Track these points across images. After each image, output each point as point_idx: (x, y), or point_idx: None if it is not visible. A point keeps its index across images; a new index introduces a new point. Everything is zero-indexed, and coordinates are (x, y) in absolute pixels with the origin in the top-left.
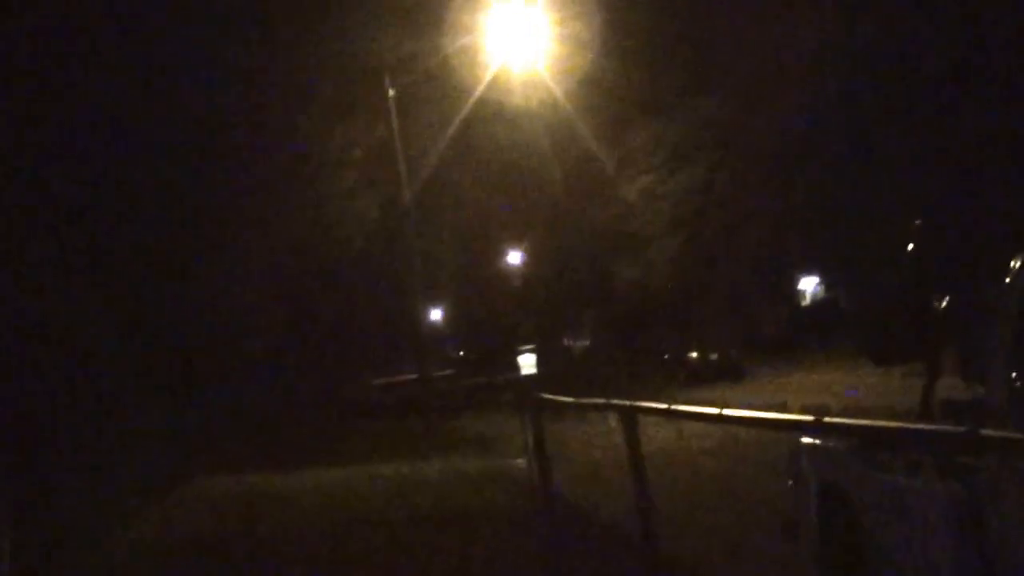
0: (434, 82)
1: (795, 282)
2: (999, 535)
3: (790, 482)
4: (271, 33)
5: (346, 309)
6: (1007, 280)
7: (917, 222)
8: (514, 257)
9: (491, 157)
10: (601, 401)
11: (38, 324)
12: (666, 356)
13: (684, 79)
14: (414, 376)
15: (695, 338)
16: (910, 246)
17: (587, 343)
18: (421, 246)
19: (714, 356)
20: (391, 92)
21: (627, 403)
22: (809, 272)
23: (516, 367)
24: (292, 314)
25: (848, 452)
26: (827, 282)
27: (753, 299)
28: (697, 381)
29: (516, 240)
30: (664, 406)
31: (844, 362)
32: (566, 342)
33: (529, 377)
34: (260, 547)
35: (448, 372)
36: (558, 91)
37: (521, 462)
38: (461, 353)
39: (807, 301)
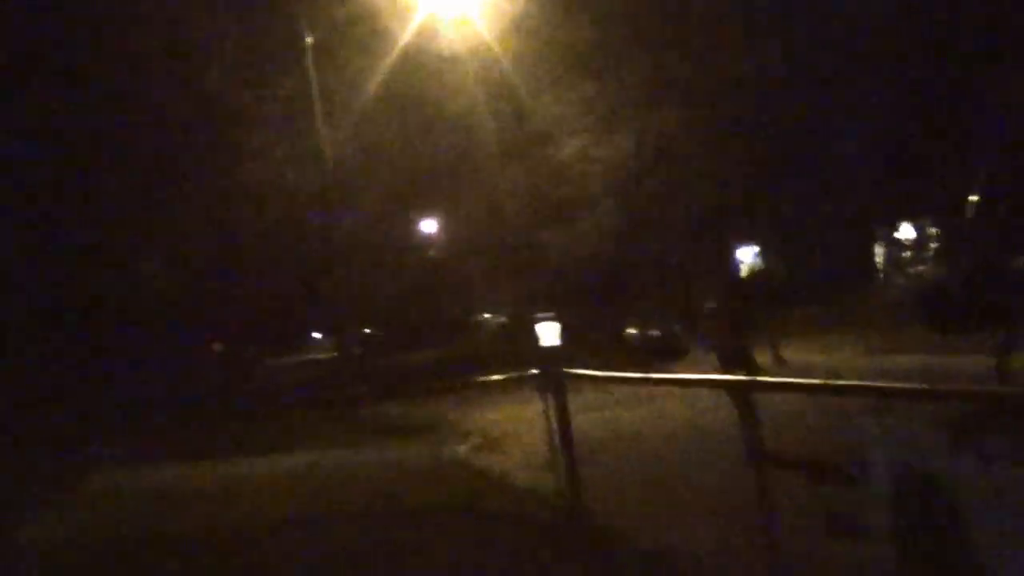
0: (357, 27)
1: (733, 251)
2: None
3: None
4: None
5: (251, 283)
6: None
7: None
8: (428, 226)
9: (412, 114)
10: (656, 376)
11: None
12: (598, 335)
13: (626, 31)
14: (330, 354)
15: (632, 313)
16: (972, 198)
17: (503, 320)
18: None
19: (655, 332)
20: (308, 39)
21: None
22: (747, 241)
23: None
24: (194, 289)
25: (941, 435)
26: (765, 252)
27: (691, 271)
28: (636, 360)
29: (431, 207)
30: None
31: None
32: (483, 317)
33: (552, 349)
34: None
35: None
36: (489, 39)
37: (462, 449)
38: (367, 330)
39: (744, 272)
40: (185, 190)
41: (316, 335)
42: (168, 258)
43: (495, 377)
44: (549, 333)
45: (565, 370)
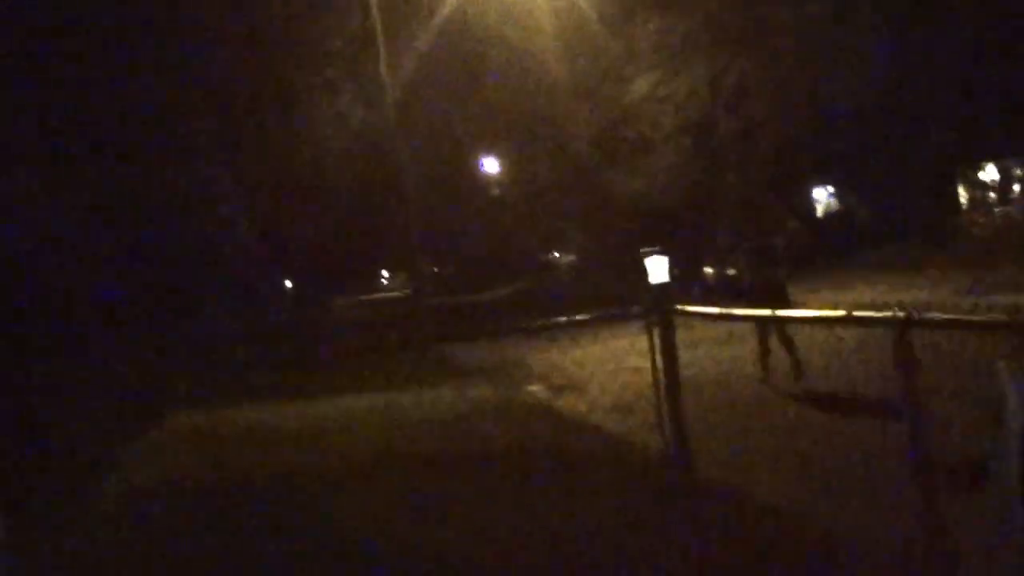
0: None
1: (809, 192)
2: None
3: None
4: None
5: (323, 221)
6: None
7: None
8: (492, 164)
9: (477, 49)
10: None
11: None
12: (675, 272)
13: None
14: (398, 293)
15: (705, 253)
16: None
17: (573, 259)
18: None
19: (731, 271)
20: None
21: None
22: (822, 182)
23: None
24: (267, 227)
25: None
26: (840, 192)
27: (765, 211)
28: (712, 299)
29: (496, 147)
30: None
31: (876, 276)
32: (552, 256)
33: (662, 286)
34: (261, 493)
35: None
36: None
37: (536, 388)
38: (435, 270)
39: (821, 212)
40: (257, 134)
41: (384, 273)
42: (245, 201)
43: (581, 317)
44: (658, 268)
45: (676, 307)
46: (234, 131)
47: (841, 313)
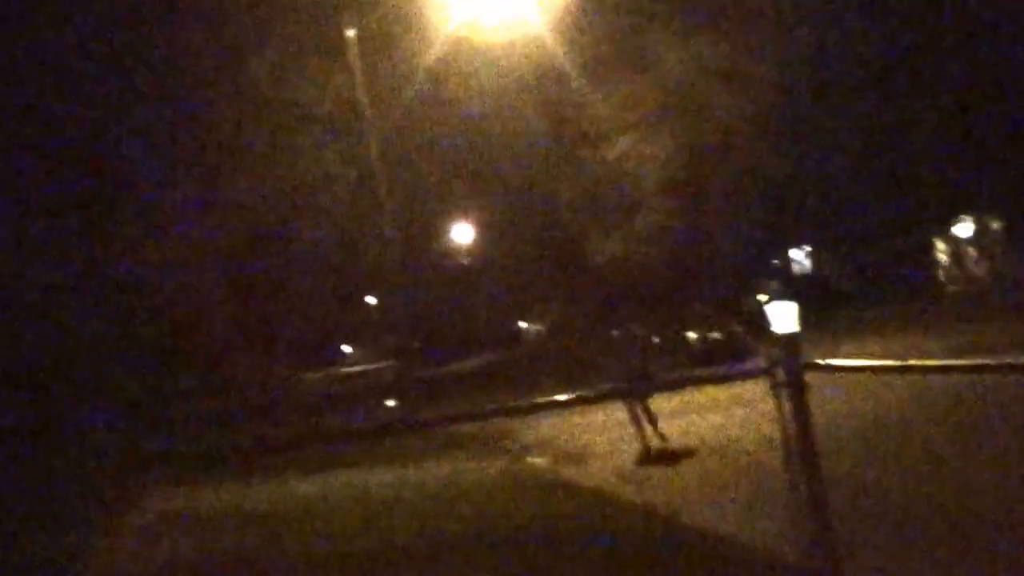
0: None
1: (786, 253)
2: None
3: None
4: None
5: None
6: None
7: None
8: (461, 232)
9: (449, 113)
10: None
11: None
12: (656, 339)
13: (676, 21)
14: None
15: (689, 317)
16: None
17: (540, 328)
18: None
19: (716, 335)
20: (350, 33)
21: None
22: (798, 243)
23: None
24: (234, 294)
25: None
26: (814, 252)
27: (745, 272)
28: (699, 363)
29: (465, 212)
30: None
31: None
32: (519, 326)
33: (791, 337)
34: None
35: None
36: (532, 35)
37: (540, 461)
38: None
39: (797, 273)
40: (234, 192)
41: (346, 348)
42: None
43: (586, 392)
44: (785, 316)
45: (813, 360)
46: (211, 188)
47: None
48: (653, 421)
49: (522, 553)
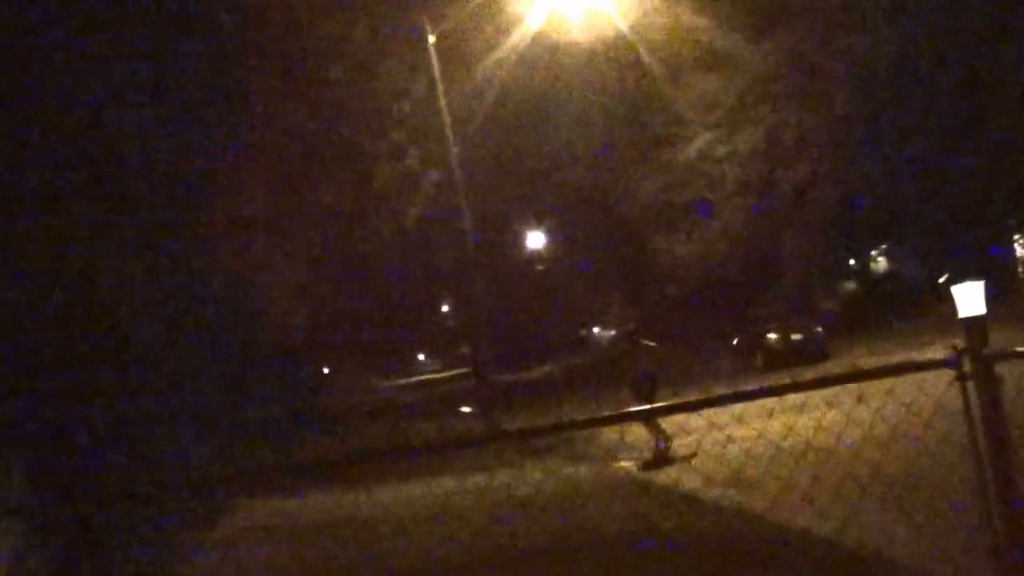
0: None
1: (866, 253)
2: None
3: None
4: None
5: (378, 296)
6: None
7: None
8: (535, 238)
9: (527, 114)
10: None
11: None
12: (735, 340)
13: (753, 19)
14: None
15: (767, 318)
16: None
17: (613, 333)
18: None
19: (797, 336)
20: (431, 38)
21: None
22: (876, 241)
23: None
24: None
25: None
26: (892, 252)
27: (822, 271)
28: (779, 365)
29: (537, 218)
30: None
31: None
32: (588, 332)
33: (976, 321)
34: None
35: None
36: (609, 36)
37: (628, 464)
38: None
39: (876, 273)
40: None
41: (421, 355)
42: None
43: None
44: (971, 297)
45: (1003, 348)
46: (289, 196)
47: None
48: (657, 426)
49: (620, 563)
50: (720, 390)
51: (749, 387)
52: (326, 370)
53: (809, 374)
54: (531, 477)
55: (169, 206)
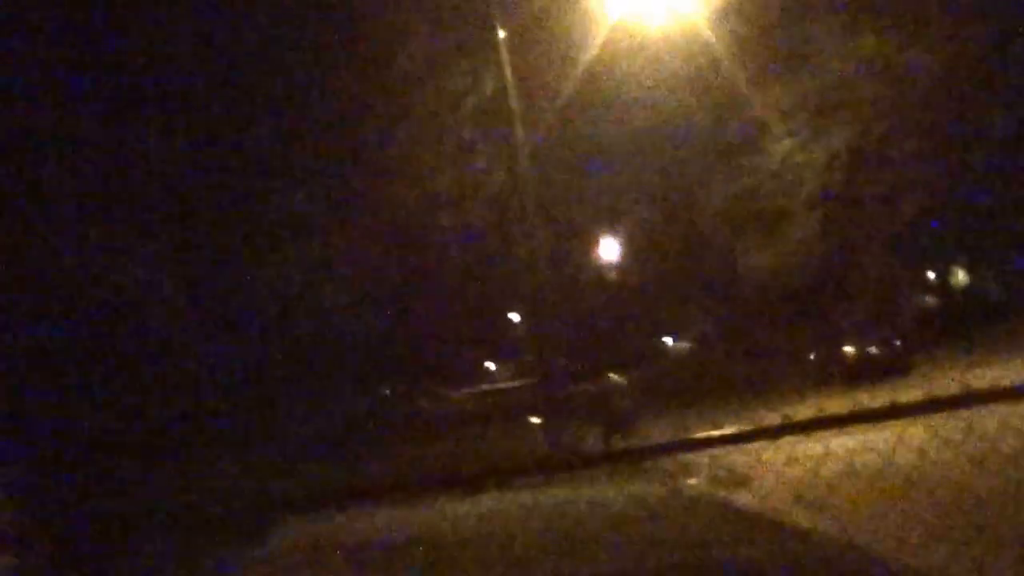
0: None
1: (947, 266)
2: None
3: None
4: None
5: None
6: None
7: None
8: (607, 245)
9: (601, 116)
10: None
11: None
12: (812, 355)
13: (837, 22)
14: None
15: (844, 331)
16: None
17: (688, 345)
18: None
19: (874, 350)
20: (501, 33)
21: None
22: (957, 255)
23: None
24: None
25: None
26: (972, 266)
27: (903, 285)
28: (859, 380)
29: (610, 224)
30: None
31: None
32: (662, 342)
33: None
34: None
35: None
36: (684, 35)
37: (698, 482)
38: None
39: (956, 288)
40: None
41: (490, 365)
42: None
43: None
44: None
45: None
46: (354, 195)
47: None
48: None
49: None
50: (804, 407)
51: (875, 404)
52: (387, 391)
53: (888, 388)
54: (600, 495)
55: (231, 211)
